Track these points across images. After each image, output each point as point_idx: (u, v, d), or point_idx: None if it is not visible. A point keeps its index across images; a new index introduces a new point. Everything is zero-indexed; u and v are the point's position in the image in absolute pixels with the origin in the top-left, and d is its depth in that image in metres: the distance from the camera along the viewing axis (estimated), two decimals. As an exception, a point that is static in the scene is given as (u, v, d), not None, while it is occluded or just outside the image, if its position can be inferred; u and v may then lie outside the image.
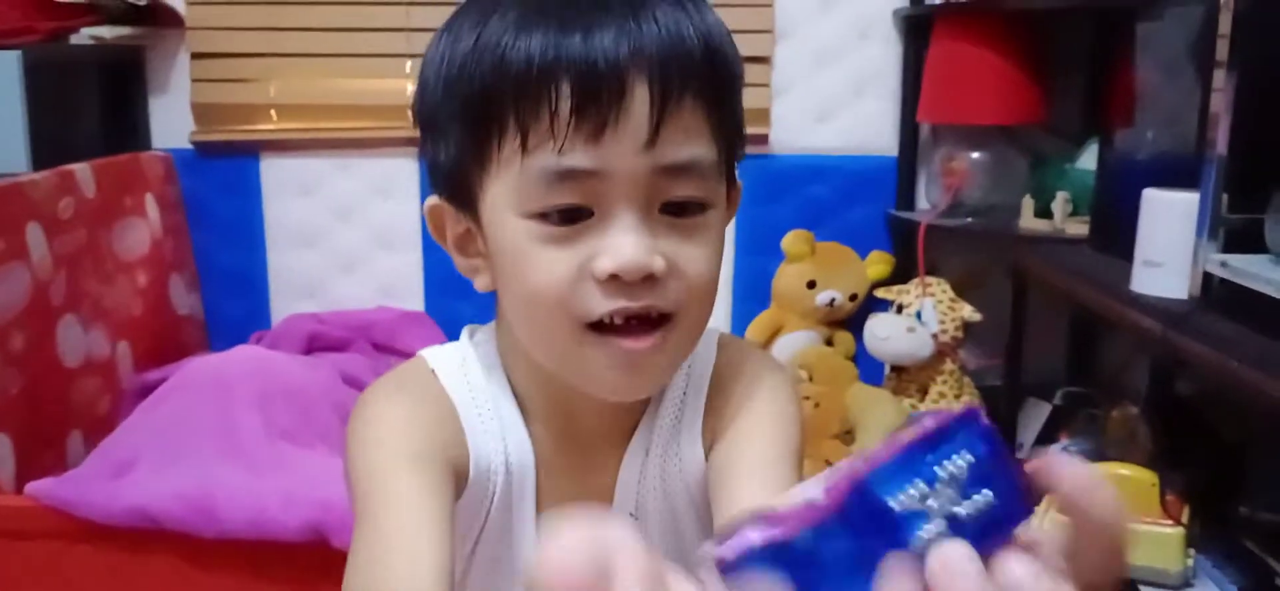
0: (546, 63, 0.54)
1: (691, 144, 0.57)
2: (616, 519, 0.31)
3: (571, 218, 0.57)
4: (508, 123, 0.56)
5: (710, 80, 0.58)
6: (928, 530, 0.33)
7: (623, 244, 0.55)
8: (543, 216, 0.57)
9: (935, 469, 0.33)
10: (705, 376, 0.71)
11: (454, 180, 0.62)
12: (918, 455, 0.33)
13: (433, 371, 0.68)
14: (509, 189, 0.58)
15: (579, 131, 0.54)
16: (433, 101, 0.61)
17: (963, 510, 0.33)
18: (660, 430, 0.70)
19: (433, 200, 0.66)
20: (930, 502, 0.33)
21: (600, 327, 0.59)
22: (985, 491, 0.33)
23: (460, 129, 0.59)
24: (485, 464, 0.66)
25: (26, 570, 1.52)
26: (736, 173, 0.68)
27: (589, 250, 0.57)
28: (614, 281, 0.57)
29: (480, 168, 0.59)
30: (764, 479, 0.64)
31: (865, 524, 0.33)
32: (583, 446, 0.69)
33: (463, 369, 0.68)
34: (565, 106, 0.54)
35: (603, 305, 0.57)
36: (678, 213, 0.59)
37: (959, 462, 0.33)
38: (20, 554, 1.51)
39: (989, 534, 0.33)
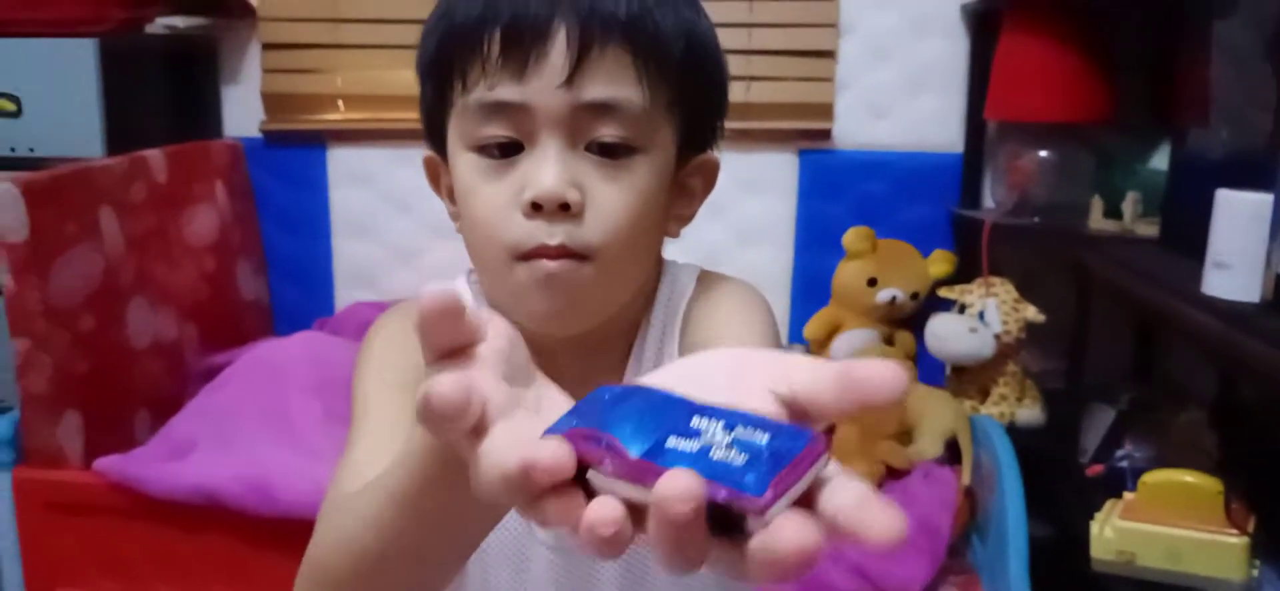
0: (482, 14, 0.61)
1: (614, 86, 0.61)
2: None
3: (507, 151, 0.63)
4: (454, 68, 0.63)
5: (638, 28, 0.61)
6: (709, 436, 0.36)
7: (543, 174, 0.61)
8: (482, 149, 0.64)
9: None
10: (678, 310, 0.74)
11: (431, 129, 0.69)
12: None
13: None
14: (458, 126, 0.65)
15: (505, 69, 0.60)
16: (419, 62, 0.69)
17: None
18: (644, 370, 0.71)
19: (427, 153, 0.73)
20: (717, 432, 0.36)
21: (527, 257, 0.64)
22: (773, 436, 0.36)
23: (430, 81, 0.67)
24: None
25: (88, 542, 1.57)
26: (713, 143, 0.71)
27: (520, 181, 0.62)
28: (536, 210, 0.62)
29: (443, 113, 0.67)
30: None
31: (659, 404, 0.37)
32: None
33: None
34: (495, 49, 0.61)
35: (527, 236, 0.62)
36: (605, 153, 0.63)
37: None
38: (82, 527, 1.56)
39: (773, 463, 0.34)
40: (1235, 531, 1.23)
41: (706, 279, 0.75)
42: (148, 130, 2.06)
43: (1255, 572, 1.24)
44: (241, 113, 2.24)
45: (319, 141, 2.23)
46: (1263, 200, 1.24)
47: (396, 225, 2.26)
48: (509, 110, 0.61)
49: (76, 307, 1.59)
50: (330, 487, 0.63)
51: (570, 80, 0.60)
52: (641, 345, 0.73)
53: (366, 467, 0.60)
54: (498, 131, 0.62)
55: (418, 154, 2.42)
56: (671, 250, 0.80)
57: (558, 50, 0.60)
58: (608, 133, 0.62)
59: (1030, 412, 1.95)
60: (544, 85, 0.60)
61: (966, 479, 1.77)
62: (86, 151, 1.83)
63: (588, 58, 0.60)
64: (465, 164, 0.64)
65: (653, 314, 0.74)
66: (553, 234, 0.62)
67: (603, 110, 0.61)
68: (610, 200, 0.63)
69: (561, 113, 0.61)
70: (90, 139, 1.86)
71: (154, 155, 1.85)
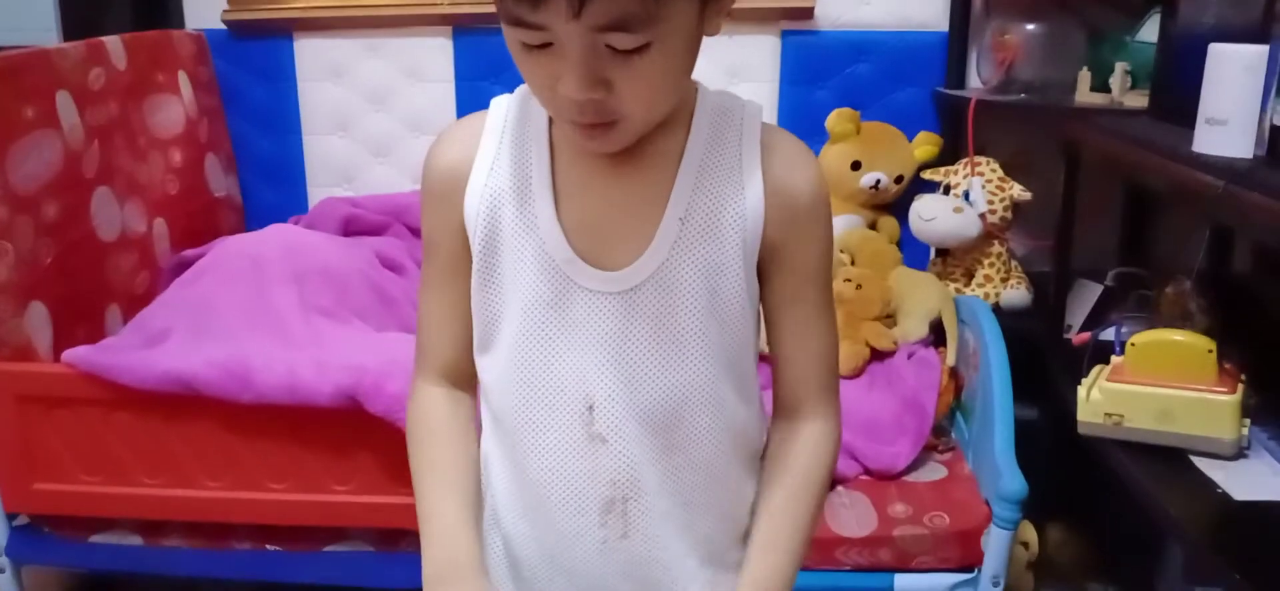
0: None
1: (620, 5, 0.64)
2: None
3: (540, 43, 0.68)
4: None
5: None
6: None
7: (568, 83, 0.68)
8: (520, 40, 0.69)
9: None
10: (755, 137, 0.79)
11: None
12: None
13: (486, 118, 0.81)
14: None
15: (521, 1, 0.65)
16: None
17: None
18: (716, 166, 0.77)
19: None
20: None
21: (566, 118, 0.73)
22: None
23: None
24: (472, 219, 0.79)
25: (66, 435, 1.53)
26: None
27: (552, 71, 0.68)
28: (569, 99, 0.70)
29: None
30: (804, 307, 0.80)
31: None
32: (615, 204, 0.77)
33: (522, 104, 0.80)
34: None
35: (564, 111, 0.71)
36: (625, 52, 0.67)
37: None
38: (59, 420, 1.53)
39: None
40: (1226, 390, 1.22)
41: (768, 127, 0.80)
42: (106, 19, 1.99)
43: (1245, 431, 1.23)
44: (203, 4, 2.16)
45: (284, 31, 2.16)
46: (1258, 52, 1.21)
47: (368, 117, 2.20)
48: (532, 26, 0.66)
49: (37, 194, 1.54)
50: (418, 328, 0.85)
51: (577, 13, 0.63)
52: (702, 116, 0.79)
53: (424, 316, 0.84)
54: (526, 36, 0.67)
55: (388, 44, 2.35)
56: None
57: None
58: (622, 42, 0.66)
59: (1016, 294, 1.93)
60: (556, 16, 0.64)
61: (951, 359, 1.76)
62: (42, 40, 1.77)
63: None
64: (508, 31, 0.69)
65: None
66: (584, 113, 0.70)
67: (611, 28, 0.65)
68: (634, 85, 0.68)
69: (576, 35, 0.65)
70: (45, 27, 1.80)
71: (112, 41, 1.78)
